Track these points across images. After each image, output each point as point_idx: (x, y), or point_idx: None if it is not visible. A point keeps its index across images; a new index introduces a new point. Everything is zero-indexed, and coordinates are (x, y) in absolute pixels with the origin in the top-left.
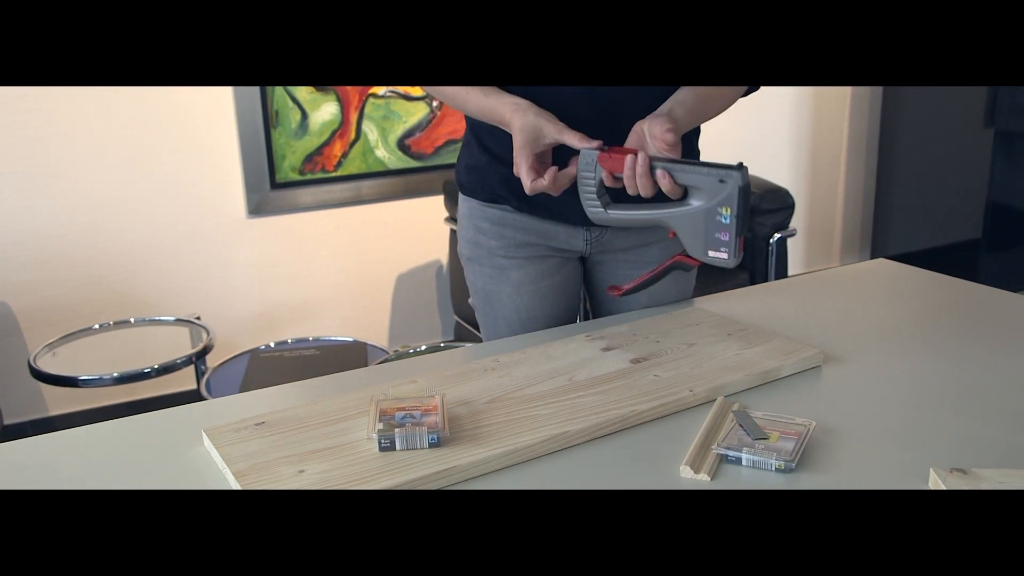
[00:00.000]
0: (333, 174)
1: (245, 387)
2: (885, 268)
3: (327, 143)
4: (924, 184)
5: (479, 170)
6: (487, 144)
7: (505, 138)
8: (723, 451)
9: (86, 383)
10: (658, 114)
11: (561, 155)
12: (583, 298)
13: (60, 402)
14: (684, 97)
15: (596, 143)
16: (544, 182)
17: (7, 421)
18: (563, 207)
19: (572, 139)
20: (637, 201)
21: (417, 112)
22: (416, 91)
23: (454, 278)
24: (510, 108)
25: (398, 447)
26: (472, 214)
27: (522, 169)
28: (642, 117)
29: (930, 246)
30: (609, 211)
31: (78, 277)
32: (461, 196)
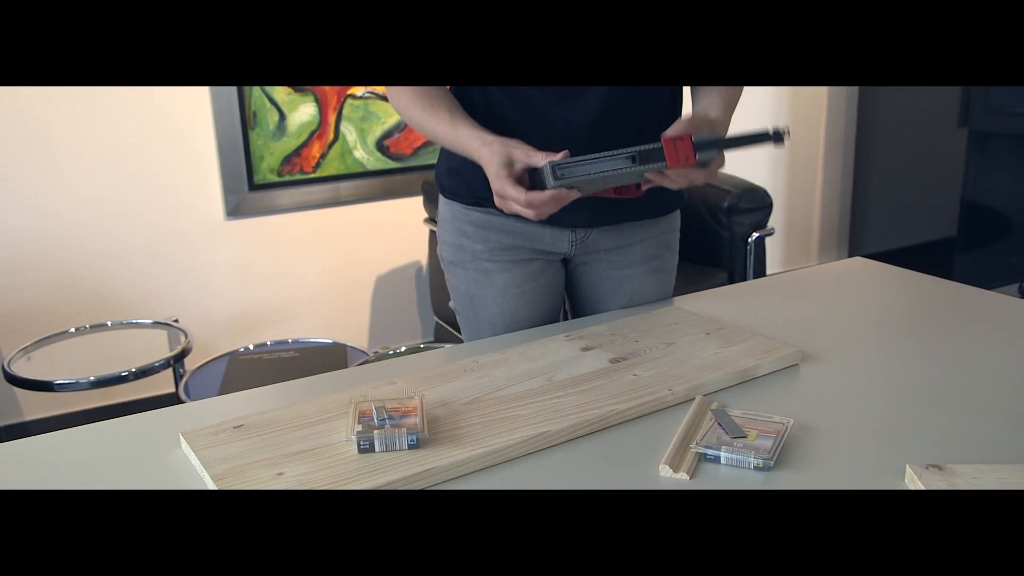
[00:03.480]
0: (312, 175)
1: (224, 390)
2: (862, 267)
3: (305, 144)
4: (900, 183)
5: (462, 173)
6: None
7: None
8: (702, 450)
9: (62, 387)
10: (691, 125)
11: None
12: (563, 299)
13: (35, 407)
14: (712, 100)
15: (563, 153)
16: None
17: None
18: None
19: (540, 158)
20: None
21: (396, 113)
22: None
23: (434, 279)
24: (477, 142)
25: (377, 449)
26: (455, 217)
27: (507, 188)
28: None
29: (906, 244)
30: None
31: (54, 280)
32: (442, 199)
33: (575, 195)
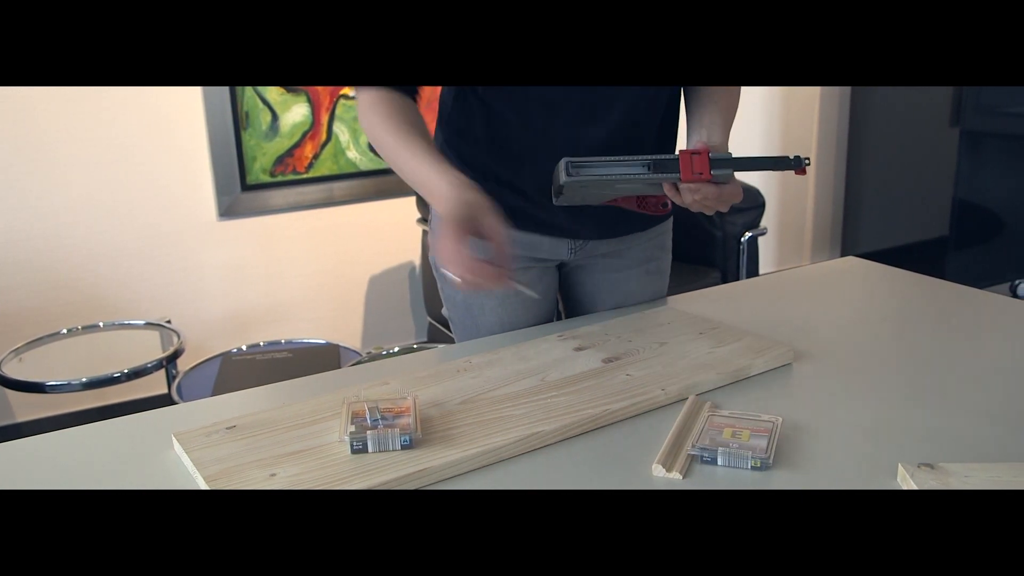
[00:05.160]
0: (304, 176)
1: (217, 391)
2: (855, 266)
3: (298, 144)
4: (892, 183)
5: None
6: (465, 156)
7: (485, 151)
8: (698, 451)
9: (54, 389)
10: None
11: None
12: (557, 300)
13: (27, 408)
14: (711, 119)
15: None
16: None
17: None
18: (549, 219)
19: (499, 239)
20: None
21: None
22: None
23: (427, 280)
24: (448, 180)
25: (370, 449)
26: None
27: (449, 239)
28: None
29: (899, 244)
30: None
31: (45, 281)
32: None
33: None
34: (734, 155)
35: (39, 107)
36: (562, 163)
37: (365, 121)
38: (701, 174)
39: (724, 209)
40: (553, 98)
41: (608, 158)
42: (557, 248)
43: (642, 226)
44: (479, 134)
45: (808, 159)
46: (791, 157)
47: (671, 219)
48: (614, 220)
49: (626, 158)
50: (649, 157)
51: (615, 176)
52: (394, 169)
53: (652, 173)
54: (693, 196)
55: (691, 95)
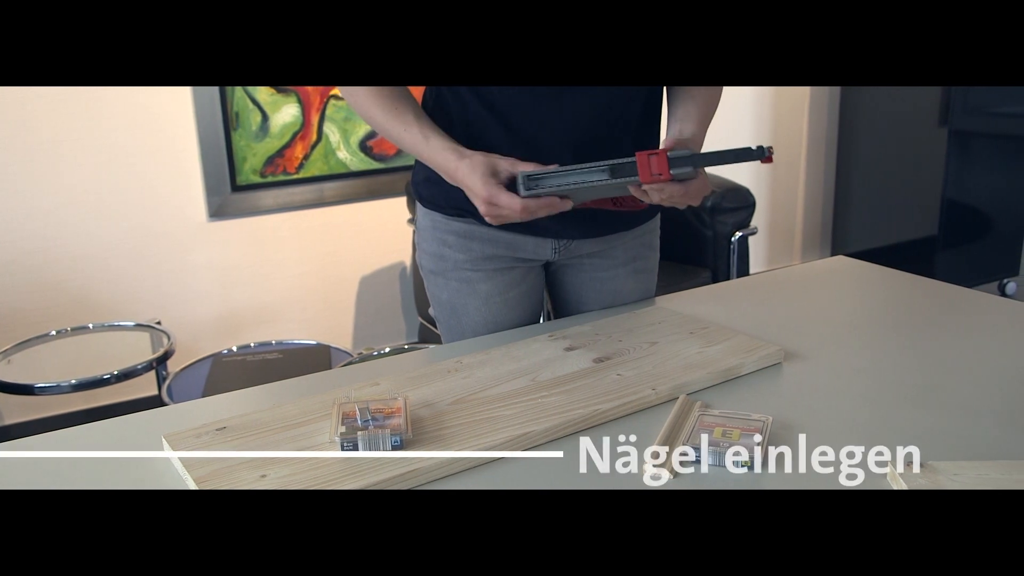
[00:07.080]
0: (295, 176)
1: (208, 392)
2: (845, 265)
3: (288, 145)
4: (882, 182)
5: (440, 183)
6: None
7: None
8: (687, 450)
9: (43, 391)
10: (671, 144)
11: None
12: (544, 300)
13: (16, 411)
14: (686, 111)
15: (552, 166)
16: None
17: None
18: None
19: (529, 167)
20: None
21: None
22: None
23: (418, 280)
24: (454, 155)
25: (361, 450)
26: (436, 227)
27: (500, 196)
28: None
29: (888, 243)
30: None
31: (34, 282)
32: (421, 208)
33: (569, 204)
34: (698, 151)
35: (28, 107)
36: (519, 177)
37: (353, 99)
38: (660, 175)
39: (695, 203)
40: (529, 98)
41: (567, 167)
42: (541, 248)
43: (627, 225)
44: (458, 132)
45: (771, 148)
46: (754, 147)
47: (658, 217)
48: (598, 220)
49: (585, 165)
50: (608, 162)
51: (572, 186)
52: (395, 143)
53: (611, 179)
54: (659, 195)
55: (671, 89)
